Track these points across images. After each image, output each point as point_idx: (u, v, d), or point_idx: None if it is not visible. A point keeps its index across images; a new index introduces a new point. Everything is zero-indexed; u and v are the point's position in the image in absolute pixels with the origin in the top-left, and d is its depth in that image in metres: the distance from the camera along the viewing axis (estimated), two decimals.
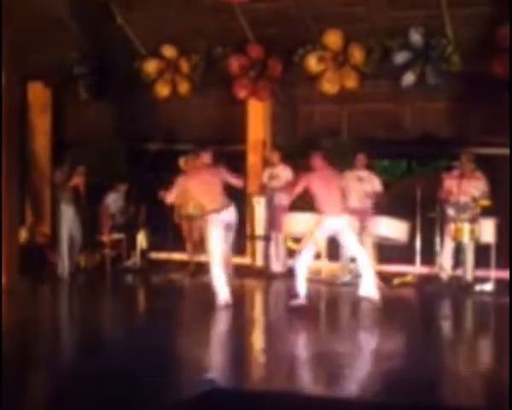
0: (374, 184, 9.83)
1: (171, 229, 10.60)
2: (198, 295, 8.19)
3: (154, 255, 10.99)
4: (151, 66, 11.17)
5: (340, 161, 10.26)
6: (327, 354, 6.29)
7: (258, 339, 7.16)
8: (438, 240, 9.52)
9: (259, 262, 10.68)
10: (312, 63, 10.31)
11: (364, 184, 9.79)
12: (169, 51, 11.11)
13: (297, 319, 7.69)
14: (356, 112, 10.92)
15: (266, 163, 10.87)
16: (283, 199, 10.17)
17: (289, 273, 10.04)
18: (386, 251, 9.83)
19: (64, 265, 10.09)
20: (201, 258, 10.47)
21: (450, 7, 9.60)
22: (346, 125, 11.01)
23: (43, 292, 9.78)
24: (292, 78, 10.76)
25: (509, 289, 8.69)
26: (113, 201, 10.83)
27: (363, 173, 9.87)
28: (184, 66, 11.09)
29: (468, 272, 9.34)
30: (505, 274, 9.32)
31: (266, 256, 10.46)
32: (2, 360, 5.13)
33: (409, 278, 9.58)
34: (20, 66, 9.58)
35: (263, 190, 10.48)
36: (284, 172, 10.29)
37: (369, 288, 7.98)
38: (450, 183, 9.38)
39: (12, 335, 6.45)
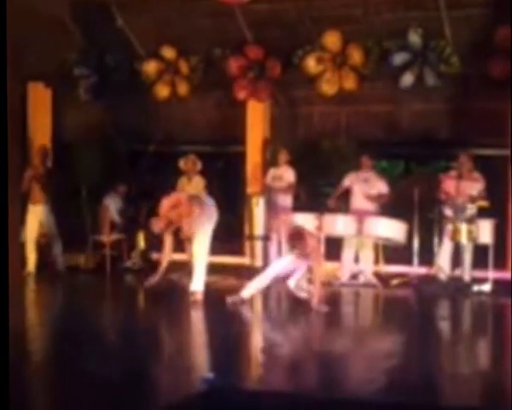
0: (379, 186, 9.85)
1: None
2: None
3: (154, 255, 11.00)
4: (150, 67, 11.20)
5: (339, 162, 10.33)
6: (326, 354, 6.33)
7: (257, 339, 7.19)
8: (436, 241, 9.56)
9: (258, 263, 10.70)
10: (311, 64, 10.34)
11: (369, 185, 9.81)
12: (168, 52, 11.14)
13: (296, 320, 7.74)
14: (354, 113, 10.95)
15: (268, 163, 10.89)
16: (284, 200, 10.22)
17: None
18: (385, 252, 9.88)
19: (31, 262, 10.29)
20: None
21: (448, 8, 9.64)
22: (344, 126, 11.04)
23: (44, 292, 9.81)
24: (291, 79, 10.79)
25: (508, 289, 8.73)
26: (113, 201, 10.86)
27: (369, 175, 9.90)
28: (184, 67, 11.12)
29: (466, 272, 9.37)
30: (503, 275, 9.37)
31: (265, 257, 10.49)
32: (8, 359, 5.16)
33: (406, 279, 9.61)
34: (20, 67, 9.60)
35: (265, 190, 10.51)
36: (287, 174, 10.32)
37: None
38: (448, 184, 9.41)
39: (12, 335, 6.47)
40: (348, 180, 9.94)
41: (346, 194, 9.99)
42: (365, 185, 9.82)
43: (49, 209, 10.36)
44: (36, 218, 10.31)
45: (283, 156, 10.37)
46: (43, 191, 10.28)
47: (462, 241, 9.10)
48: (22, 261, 9.97)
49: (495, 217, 9.14)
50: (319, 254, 8.16)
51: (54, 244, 10.45)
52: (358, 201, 9.83)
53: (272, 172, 10.47)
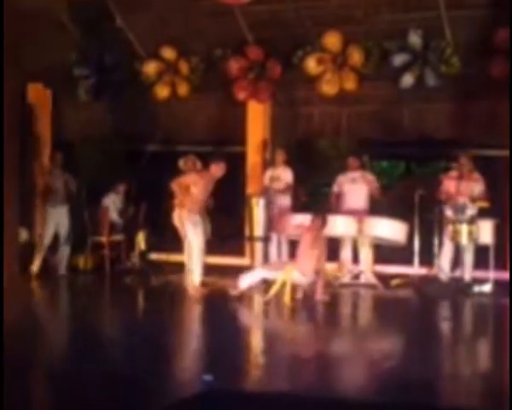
0: (368, 182, 9.88)
1: (169, 230, 10.60)
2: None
3: (153, 256, 11.00)
4: (151, 67, 11.18)
5: (339, 163, 10.33)
6: (325, 354, 6.32)
7: (256, 340, 7.19)
8: (436, 241, 9.55)
9: (258, 263, 10.68)
10: (311, 65, 10.33)
11: (358, 184, 9.86)
12: (168, 53, 11.12)
13: (296, 320, 7.73)
14: (355, 113, 10.94)
15: (267, 164, 10.88)
16: (283, 200, 10.21)
17: None
18: (384, 252, 9.86)
19: (38, 262, 10.24)
20: None
21: (448, 9, 9.63)
22: (344, 127, 11.03)
23: (43, 292, 9.80)
24: (291, 79, 10.78)
25: (508, 289, 8.72)
26: (113, 202, 10.85)
27: (356, 174, 9.94)
28: (184, 67, 11.10)
29: (467, 273, 9.36)
30: (504, 275, 9.35)
31: (265, 257, 10.47)
32: (2, 359, 5.16)
33: (407, 280, 9.60)
34: (20, 67, 9.61)
35: (264, 191, 10.49)
36: (285, 174, 10.31)
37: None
38: (448, 184, 9.42)
39: (11, 335, 6.47)
40: (337, 185, 9.99)
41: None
42: (354, 185, 9.86)
43: (67, 211, 10.34)
44: (53, 220, 10.27)
45: (281, 156, 10.38)
46: (58, 193, 10.29)
47: (462, 241, 9.09)
48: (26, 262, 10.00)
49: (495, 217, 9.13)
50: (323, 244, 8.47)
51: (62, 248, 10.40)
52: (350, 201, 9.85)
53: (270, 172, 10.47)
